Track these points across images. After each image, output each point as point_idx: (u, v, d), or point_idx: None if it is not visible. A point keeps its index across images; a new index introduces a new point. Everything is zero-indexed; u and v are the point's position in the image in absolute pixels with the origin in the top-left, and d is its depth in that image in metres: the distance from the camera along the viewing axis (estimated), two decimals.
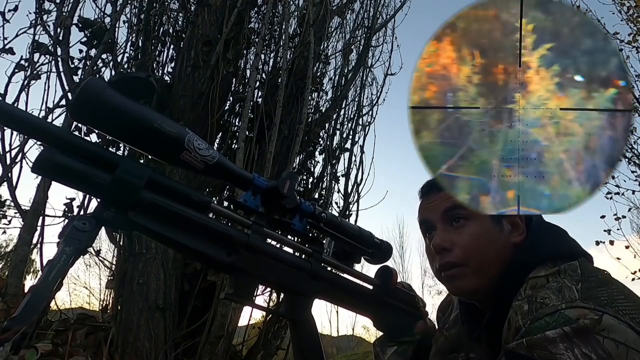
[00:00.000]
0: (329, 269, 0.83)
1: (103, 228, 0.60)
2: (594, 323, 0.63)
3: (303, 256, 0.80)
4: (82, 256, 0.54)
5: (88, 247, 0.53)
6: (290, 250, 0.80)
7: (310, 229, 0.80)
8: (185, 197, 0.64)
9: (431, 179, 0.87)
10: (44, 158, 0.54)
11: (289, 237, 0.79)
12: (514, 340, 0.69)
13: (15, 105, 2.20)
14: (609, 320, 0.64)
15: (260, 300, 2.65)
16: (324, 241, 0.85)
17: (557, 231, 0.86)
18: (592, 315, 0.64)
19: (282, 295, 0.85)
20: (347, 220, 0.90)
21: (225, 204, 0.77)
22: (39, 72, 2.30)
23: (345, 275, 0.86)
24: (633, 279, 5.04)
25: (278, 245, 0.78)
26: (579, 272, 0.74)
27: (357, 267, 0.90)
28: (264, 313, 2.46)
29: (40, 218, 2.03)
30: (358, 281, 0.88)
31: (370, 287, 0.90)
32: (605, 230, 4.89)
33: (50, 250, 2.16)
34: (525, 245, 0.81)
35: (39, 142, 0.58)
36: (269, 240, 0.74)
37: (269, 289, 2.32)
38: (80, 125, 2.00)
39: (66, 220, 2.13)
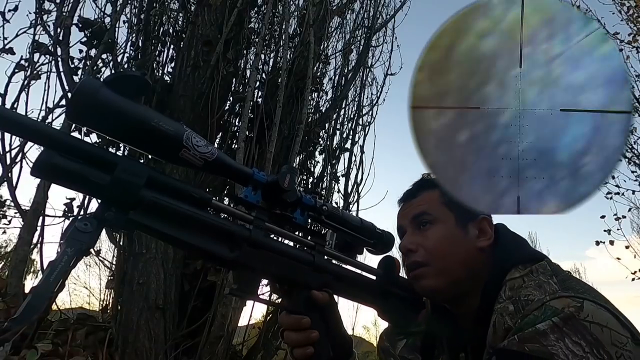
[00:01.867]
0: (332, 261, 0.83)
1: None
2: (577, 310, 0.67)
3: (305, 249, 0.80)
4: (84, 257, 0.54)
5: (90, 247, 0.53)
6: (292, 244, 0.80)
7: (312, 222, 0.80)
8: (185, 194, 0.63)
9: (407, 189, 0.96)
10: (42, 161, 0.53)
11: (291, 230, 0.79)
12: (506, 340, 0.70)
13: (16, 105, 2.20)
14: (589, 307, 0.68)
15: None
16: (326, 233, 0.85)
17: (521, 238, 0.92)
18: (574, 303, 0.68)
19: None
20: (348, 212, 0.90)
21: (227, 201, 0.77)
22: (39, 72, 2.30)
23: (348, 267, 0.86)
24: (633, 279, 5.04)
25: (280, 240, 0.78)
26: (549, 268, 0.80)
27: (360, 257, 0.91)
28: (264, 313, 2.47)
29: (40, 218, 2.03)
30: (361, 272, 0.88)
31: (374, 277, 0.90)
32: (605, 230, 4.89)
33: (50, 250, 2.15)
34: (498, 251, 0.86)
35: (35, 144, 0.58)
36: (271, 235, 0.74)
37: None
38: (79, 126, 1.99)
39: (66, 220, 2.12)
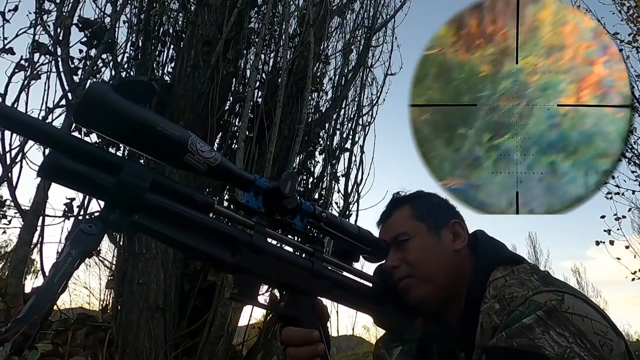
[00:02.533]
0: (329, 267, 0.84)
1: None
2: (559, 302, 0.71)
3: (304, 255, 0.81)
4: (87, 258, 0.54)
5: (94, 249, 0.54)
6: (292, 250, 0.81)
7: (311, 228, 0.81)
8: (188, 198, 0.64)
9: (382, 211, 1.01)
10: (49, 162, 0.54)
11: (290, 236, 0.80)
12: (495, 337, 0.73)
13: (16, 105, 2.20)
14: (569, 299, 0.72)
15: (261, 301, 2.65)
16: (324, 240, 0.86)
17: (499, 242, 0.96)
18: (556, 297, 0.72)
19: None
20: (346, 219, 0.92)
21: (225, 204, 0.78)
22: (39, 72, 2.30)
23: (345, 274, 0.87)
24: (633, 279, 5.05)
25: (279, 245, 0.79)
26: (528, 268, 0.84)
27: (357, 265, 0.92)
28: (264, 313, 2.47)
29: (40, 218, 2.03)
30: (358, 279, 0.89)
31: (370, 284, 0.91)
32: (605, 230, 4.90)
33: (50, 250, 2.16)
34: (479, 255, 0.90)
35: (41, 145, 0.58)
36: (270, 240, 0.75)
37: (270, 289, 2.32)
38: (86, 128, 1.99)
39: (66, 221, 2.12)
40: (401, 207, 0.98)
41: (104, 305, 2.43)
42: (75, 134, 1.95)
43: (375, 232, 0.96)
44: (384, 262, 0.95)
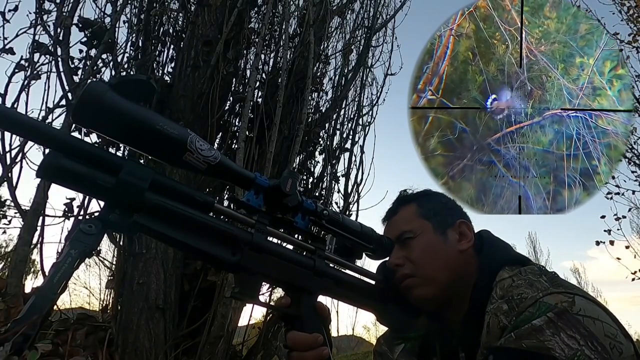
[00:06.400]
0: (331, 265, 0.84)
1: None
2: (570, 304, 0.70)
3: (306, 253, 0.81)
4: (87, 258, 0.54)
5: (93, 249, 0.54)
6: (293, 248, 0.81)
7: (312, 226, 0.81)
8: (188, 197, 0.64)
9: (388, 208, 1.00)
10: (48, 162, 0.54)
11: (291, 234, 0.80)
12: (503, 338, 0.72)
13: (16, 105, 2.20)
14: (580, 301, 0.71)
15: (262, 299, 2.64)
16: (326, 237, 0.85)
17: (504, 242, 0.96)
18: (566, 299, 0.71)
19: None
20: (348, 217, 0.92)
21: (226, 203, 0.77)
22: (39, 72, 2.29)
23: (348, 271, 0.87)
24: (633, 279, 5.05)
25: (281, 243, 0.78)
26: (536, 269, 0.83)
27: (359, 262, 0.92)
28: (264, 313, 2.47)
29: (40, 218, 2.03)
30: (360, 277, 0.89)
31: (373, 282, 0.90)
32: (605, 231, 4.90)
33: (50, 250, 2.16)
34: (485, 255, 0.89)
35: (40, 145, 0.58)
36: (272, 239, 0.75)
37: (270, 288, 2.33)
38: (84, 128, 1.99)
39: (66, 221, 2.12)
40: (407, 204, 0.97)
41: (104, 305, 2.43)
42: (76, 134, 1.95)
43: (379, 230, 0.96)
44: (387, 259, 0.94)
